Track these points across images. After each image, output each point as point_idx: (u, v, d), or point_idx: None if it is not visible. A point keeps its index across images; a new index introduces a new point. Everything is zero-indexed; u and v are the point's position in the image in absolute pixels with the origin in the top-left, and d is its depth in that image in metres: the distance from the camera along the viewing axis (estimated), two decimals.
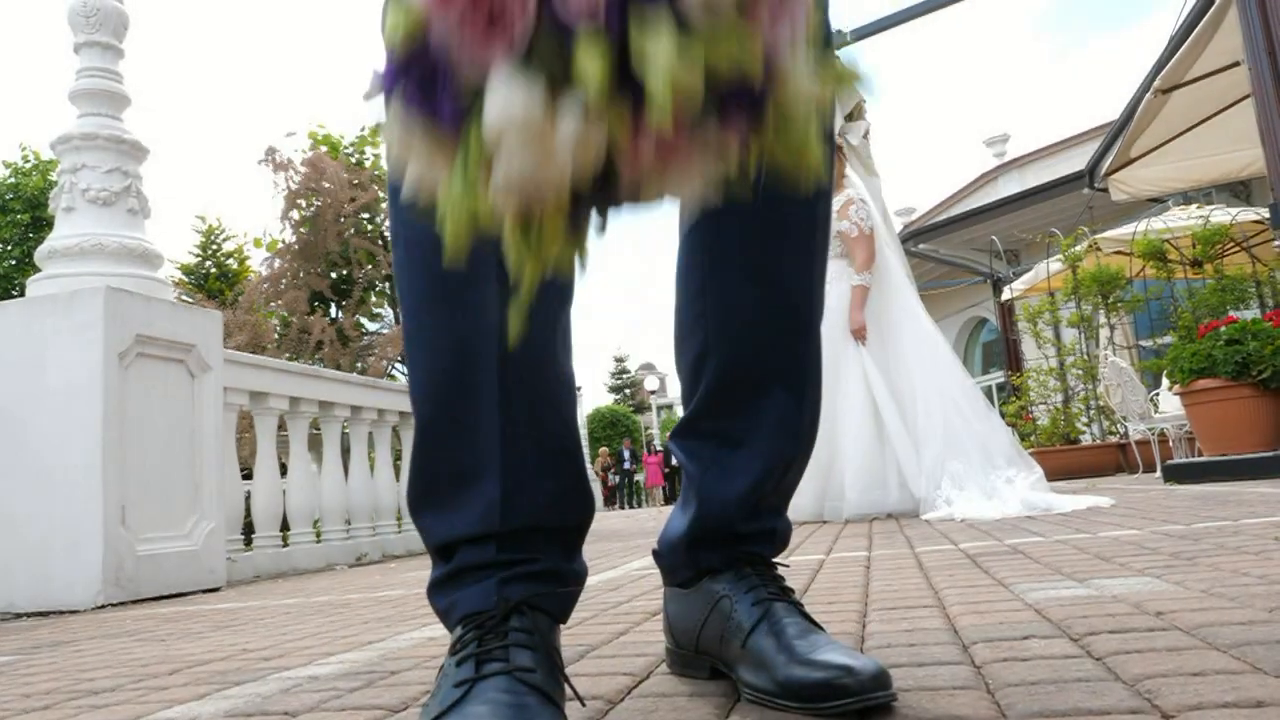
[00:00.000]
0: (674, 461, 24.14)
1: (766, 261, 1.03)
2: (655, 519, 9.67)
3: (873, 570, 2.12)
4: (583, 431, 28.06)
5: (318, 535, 5.37)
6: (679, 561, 1.08)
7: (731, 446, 1.04)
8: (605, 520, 10.86)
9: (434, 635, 1.65)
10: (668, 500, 24.61)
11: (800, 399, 1.05)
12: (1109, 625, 1.13)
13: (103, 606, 3.45)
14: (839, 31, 6.82)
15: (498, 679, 0.81)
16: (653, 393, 33.29)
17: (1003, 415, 11.27)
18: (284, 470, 5.47)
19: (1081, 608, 1.28)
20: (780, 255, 1.04)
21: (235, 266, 13.89)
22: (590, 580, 2.58)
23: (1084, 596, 1.39)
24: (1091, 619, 1.18)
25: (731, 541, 1.04)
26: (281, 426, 5.23)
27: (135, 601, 3.57)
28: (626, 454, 25.30)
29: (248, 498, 5.17)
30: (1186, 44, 6.68)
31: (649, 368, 38.36)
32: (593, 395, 45.94)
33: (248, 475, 5.48)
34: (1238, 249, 9.40)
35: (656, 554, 1.16)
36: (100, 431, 3.57)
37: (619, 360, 43.09)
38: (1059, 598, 1.40)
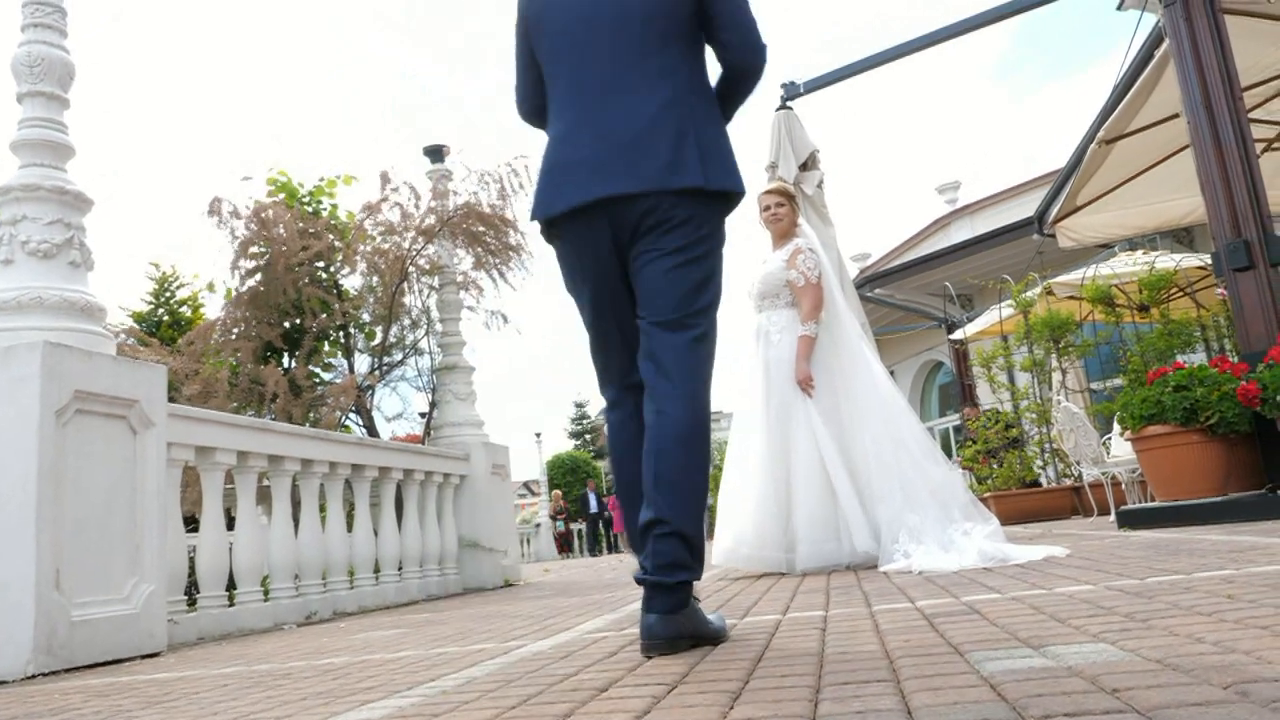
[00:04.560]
0: None
1: None
2: (616, 569, 9.54)
3: (829, 634, 2.08)
4: (542, 478, 27.75)
5: (265, 594, 5.21)
6: None
7: None
8: (563, 570, 10.70)
9: (371, 717, 1.58)
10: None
11: None
12: (1065, 706, 1.10)
13: (33, 677, 3.29)
14: (791, 83, 6.92)
15: None
16: None
17: (960, 459, 11.36)
18: (230, 522, 5.31)
19: (1037, 683, 1.25)
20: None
21: (189, 314, 13.67)
22: (540, 645, 2.51)
23: (1039, 669, 1.36)
24: (1046, 699, 1.15)
25: None
26: (229, 479, 5.09)
27: (69, 670, 3.42)
28: (592, 497, 24.49)
29: (192, 554, 5.00)
30: (1128, 97, 6.89)
31: None
32: (552, 441, 45.64)
33: (194, 528, 5.31)
34: (1182, 294, 9.63)
35: None
36: (35, 491, 3.43)
37: (579, 405, 42.99)
38: (1014, 670, 1.37)
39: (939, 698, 1.24)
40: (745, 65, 2.26)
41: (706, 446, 2.09)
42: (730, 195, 2.18)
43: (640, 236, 2.12)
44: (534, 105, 2.39)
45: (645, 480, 2.02)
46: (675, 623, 1.97)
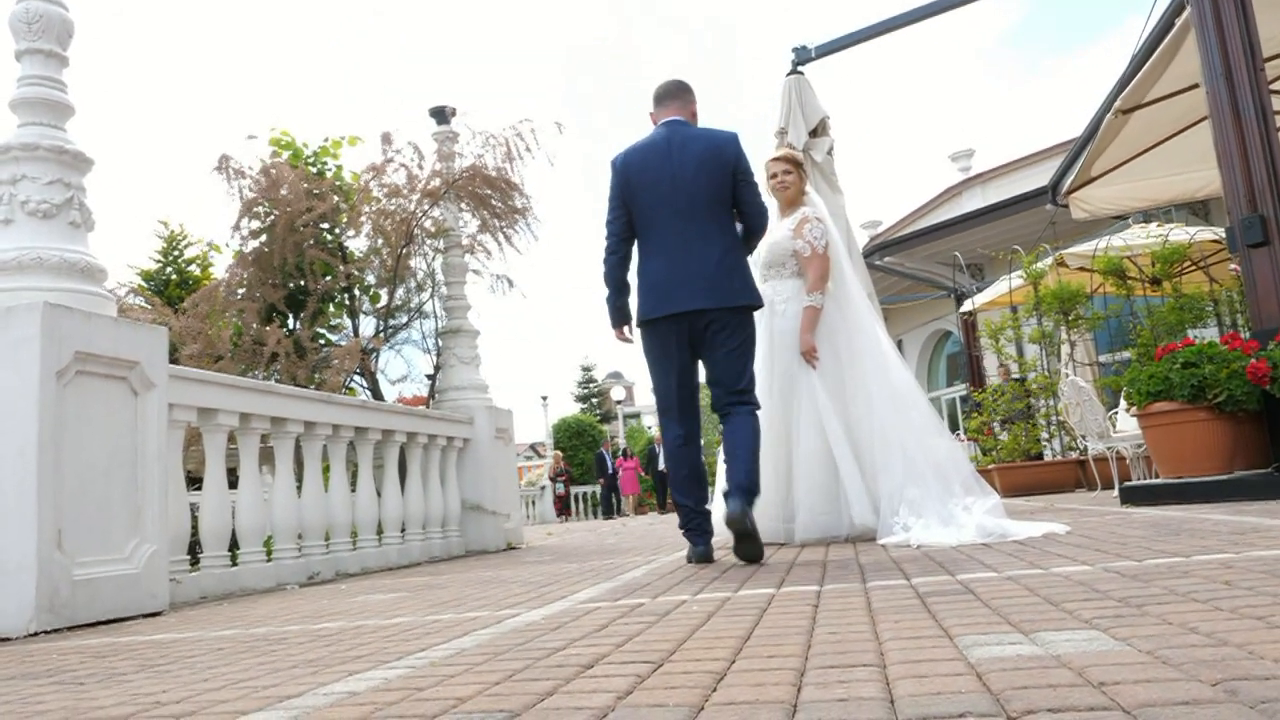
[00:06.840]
0: (661, 466, 22.92)
1: None
2: (619, 533, 9.58)
3: (820, 611, 2.07)
4: (548, 441, 27.82)
5: (268, 554, 5.24)
6: None
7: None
8: (566, 534, 10.75)
9: (356, 690, 1.57)
10: (657, 508, 23.00)
11: None
12: (1048, 701, 1.08)
13: (35, 634, 3.32)
14: (803, 47, 6.81)
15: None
16: (620, 402, 33.18)
17: (965, 431, 11.32)
18: (234, 482, 5.33)
19: (1023, 674, 1.24)
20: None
21: (197, 273, 13.63)
22: (533, 615, 2.51)
23: (1027, 657, 1.35)
24: (1031, 691, 1.13)
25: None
26: (232, 440, 5.10)
27: (72, 628, 3.45)
28: (609, 458, 23.70)
29: (195, 513, 5.02)
30: (1147, 66, 6.75)
31: (616, 376, 38.23)
32: (559, 404, 45.72)
33: (198, 486, 5.33)
34: (1195, 268, 9.52)
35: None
36: (35, 453, 3.44)
37: (586, 369, 42.96)
38: (1002, 658, 1.36)
39: (923, 686, 1.22)
40: (757, 227, 3.94)
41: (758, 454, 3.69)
42: (758, 307, 3.86)
43: (708, 332, 3.68)
44: (625, 238, 3.83)
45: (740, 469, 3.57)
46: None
